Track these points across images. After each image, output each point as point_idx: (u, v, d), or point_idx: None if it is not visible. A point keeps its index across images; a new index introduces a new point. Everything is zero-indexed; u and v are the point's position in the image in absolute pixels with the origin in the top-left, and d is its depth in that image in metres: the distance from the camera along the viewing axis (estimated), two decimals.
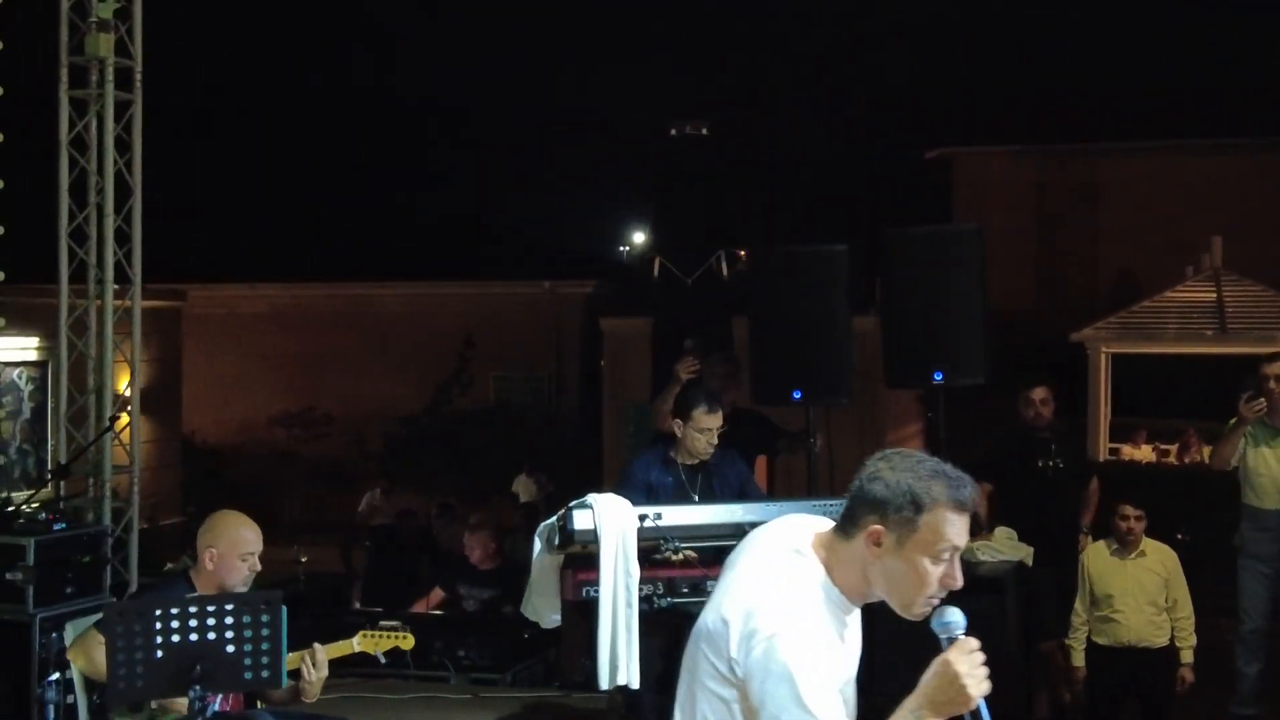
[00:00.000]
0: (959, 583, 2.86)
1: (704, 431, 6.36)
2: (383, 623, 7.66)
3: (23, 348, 13.09)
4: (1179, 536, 14.20)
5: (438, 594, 9.44)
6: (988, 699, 2.82)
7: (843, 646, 2.94)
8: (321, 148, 27.48)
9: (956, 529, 2.85)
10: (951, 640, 2.81)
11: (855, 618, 3.00)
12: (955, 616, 2.83)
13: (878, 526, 2.86)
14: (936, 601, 2.85)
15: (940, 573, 2.84)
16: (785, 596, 2.87)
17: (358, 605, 10.40)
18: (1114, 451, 18.15)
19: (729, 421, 6.73)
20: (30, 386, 12.50)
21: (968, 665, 2.74)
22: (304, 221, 24.08)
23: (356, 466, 20.60)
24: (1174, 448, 17.42)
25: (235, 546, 5.33)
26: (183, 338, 18.56)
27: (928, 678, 2.77)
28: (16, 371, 12.37)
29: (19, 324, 10.51)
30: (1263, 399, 7.64)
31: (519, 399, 21.29)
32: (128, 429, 8.62)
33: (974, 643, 2.78)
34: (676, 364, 7.51)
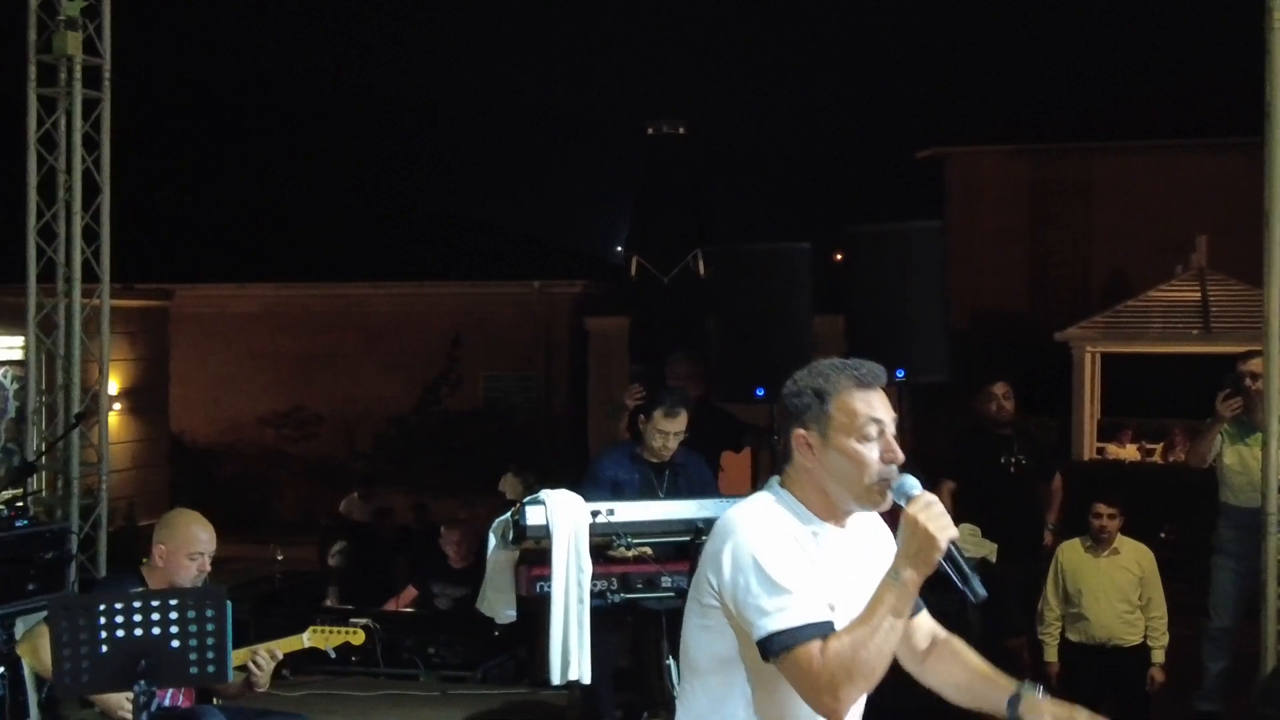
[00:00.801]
0: (899, 454, 2.90)
1: (661, 433, 6.48)
2: (353, 620, 7.76)
3: (8, 346, 13.09)
4: (1163, 535, 14.24)
5: (411, 592, 9.45)
6: None
7: (816, 556, 2.92)
8: (311, 147, 27.54)
9: (869, 403, 2.91)
10: (910, 500, 2.84)
11: (837, 537, 2.98)
12: (910, 481, 2.86)
13: (801, 431, 2.94)
14: (893, 482, 2.87)
15: (876, 450, 2.89)
16: (743, 511, 2.95)
17: (329, 603, 10.41)
18: (1101, 450, 18.17)
19: (694, 417, 6.78)
20: (15, 385, 12.51)
21: (926, 514, 2.76)
22: (294, 221, 24.07)
23: (345, 466, 20.60)
24: (1159, 447, 17.43)
25: (184, 544, 5.35)
26: (172, 337, 18.56)
27: (898, 539, 2.81)
28: (2, 370, 12.38)
29: (4, 323, 10.52)
30: (1239, 397, 7.66)
31: (508, 399, 21.28)
32: (97, 427, 8.63)
33: (930, 496, 2.81)
34: (624, 393, 7.65)
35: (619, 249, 24.36)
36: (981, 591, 2.76)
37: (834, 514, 2.98)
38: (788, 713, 2.91)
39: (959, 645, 3.19)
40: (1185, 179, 21.43)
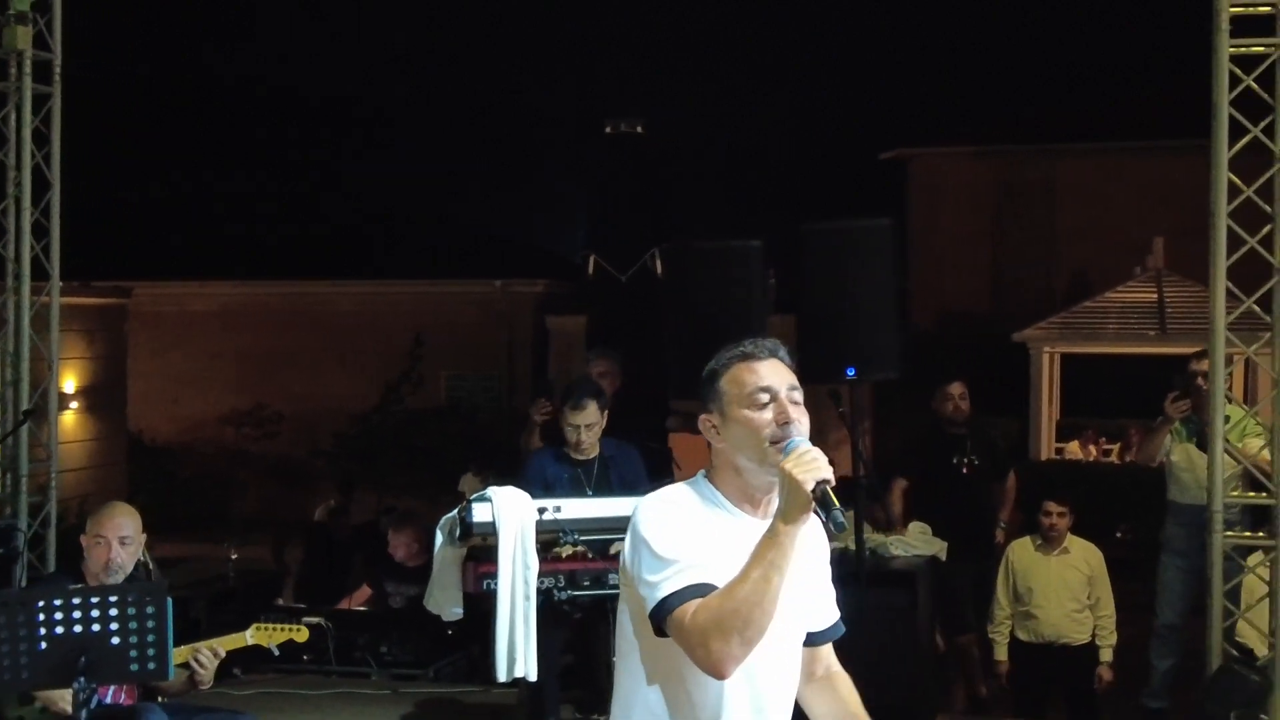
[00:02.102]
0: (790, 415, 2.96)
1: (572, 427, 6.56)
2: (305, 618, 7.72)
3: None
4: (1119, 534, 14.36)
5: (365, 591, 9.42)
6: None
7: (729, 539, 2.95)
8: (272, 145, 27.44)
9: (756, 374, 3.00)
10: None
11: (759, 528, 2.95)
12: (796, 439, 2.93)
13: (704, 416, 3.06)
14: (785, 443, 2.92)
15: (768, 414, 2.96)
16: (648, 498, 3.03)
17: (280, 601, 10.36)
18: (1060, 450, 18.29)
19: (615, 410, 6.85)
20: None
21: (794, 461, 2.83)
22: (255, 219, 23.95)
23: (307, 465, 20.52)
24: (1117, 447, 17.56)
25: (91, 527, 5.38)
26: (131, 335, 18.44)
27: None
28: None
29: None
30: (1187, 399, 7.72)
31: (471, 398, 21.24)
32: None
33: (807, 446, 2.88)
34: (532, 407, 7.71)
35: (581, 252, 24.38)
36: (841, 521, 2.81)
37: (751, 499, 3.03)
38: (691, 685, 2.96)
39: (844, 686, 3.28)
40: (1146, 181, 21.58)
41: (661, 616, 2.85)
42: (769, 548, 2.81)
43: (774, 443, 2.94)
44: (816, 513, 2.85)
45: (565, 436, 6.66)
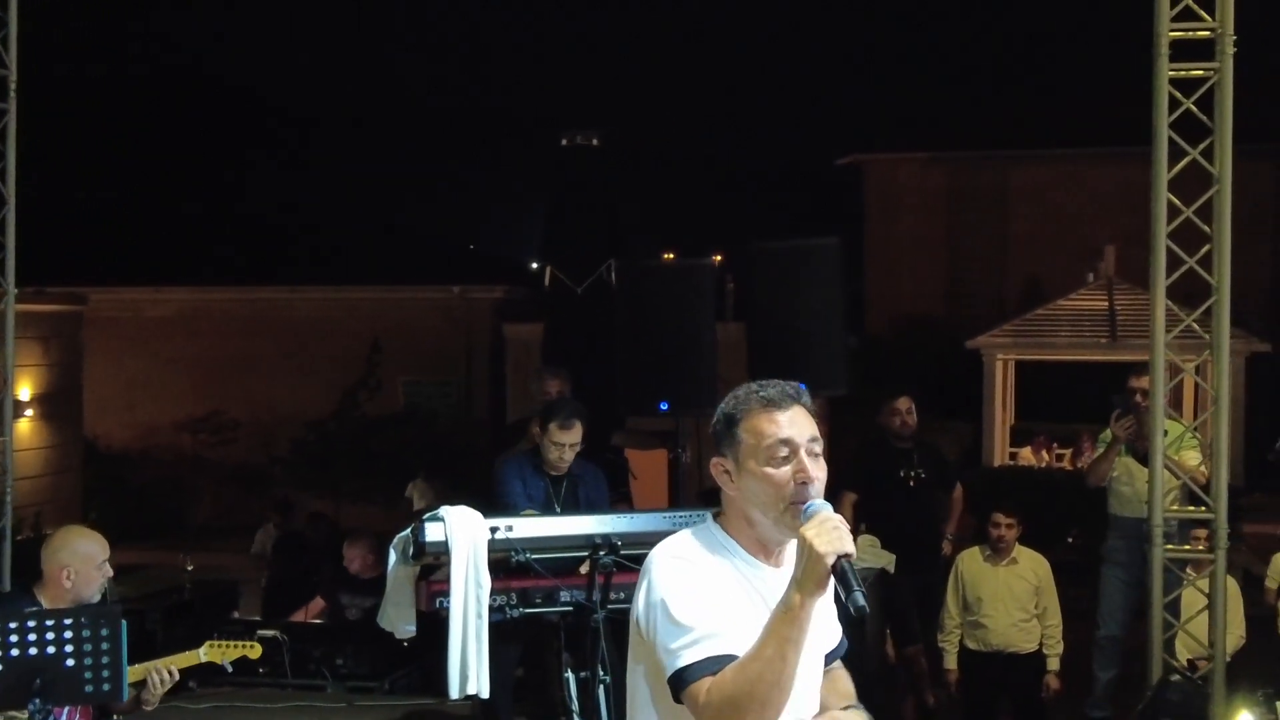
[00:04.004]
0: (812, 475, 2.83)
1: (557, 445, 6.62)
2: (260, 632, 7.76)
3: None
4: (1070, 540, 14.52)
5: (319, 603, 9.46)
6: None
7: (746, 592, 2.87)
8: (230, 152, 27.36)
9: (776, 424, 2.85)
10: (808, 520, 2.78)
11: (774, 576, 2.88)
12: (817, 503, 2.80)
13: (718, 459, 2.92)
14: (804, 505, 2.80)
15: (788, 472, 2.83)
16: (663, 550, 2.91)
17: (236, 614, 10.38)
18: (1013, 456, 18.44)
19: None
20: None
21: (816, 530, 2.69)
22: (211, 225, 23.89)
23: (264, 472, 20.47)
24: (1069, 452, 17.73)
25: (90, 559, 5.38)
26: (86, 342, 18.34)
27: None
28: None
29: None
30: (1130, 416, 7.85)
31: (428, 404, 21.23)
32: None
33: (828, 514, 2.74)
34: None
35: (534, 264, 24.39)
36: (862, 604, 2.65)
37: (764, 549, 2.92)
38: None
39: (841, 674, 3.18)
40: (1098, 188, 21.81)
41: (678, 687, 2.75)
42: (785, 624, 2.67)
43: (792, 503, 2.81)
44: (837, 592, 2.72)
45: (545, 453, 6.72)
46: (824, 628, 3.01)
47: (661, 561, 2.87)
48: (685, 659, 2.73)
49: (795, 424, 2.86)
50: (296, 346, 21.42)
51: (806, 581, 2.67)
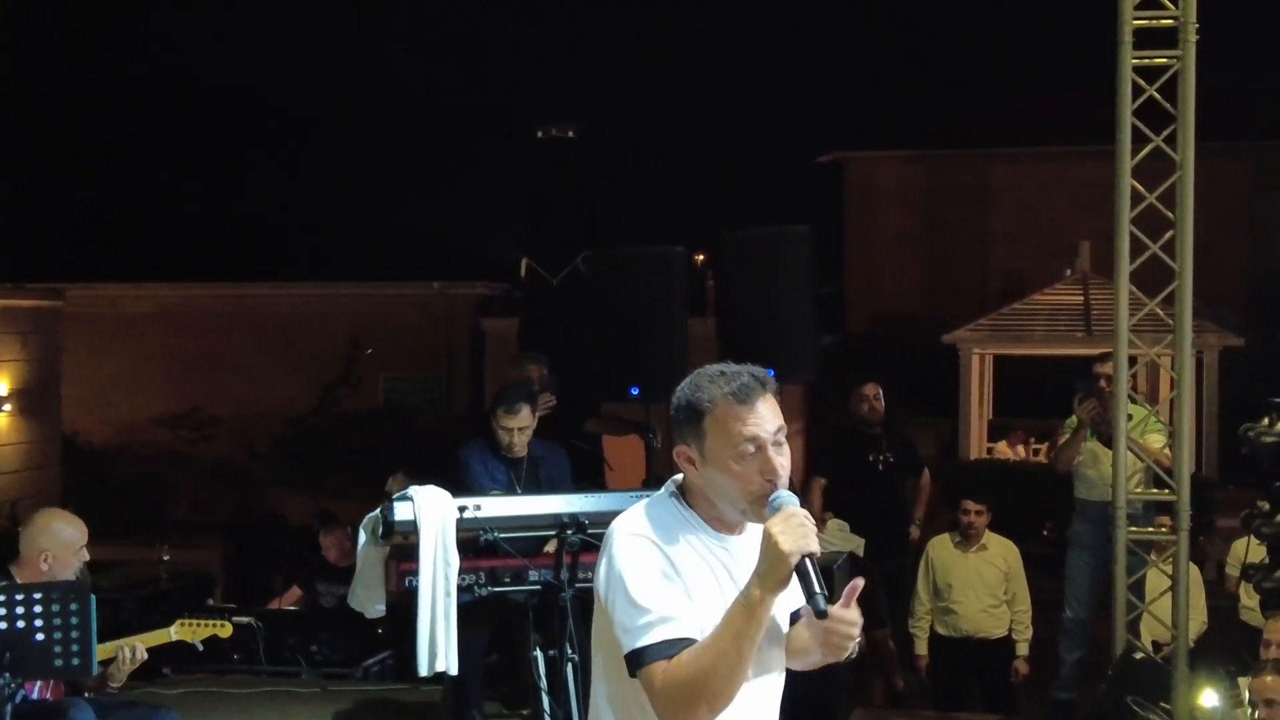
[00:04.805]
0: (779, 471, 2.82)
1: (506, 430, 6.76)
2: (235, 618, 7.80)
3: None
4: (1045, 532, 14.61)
5: (295, 592, 9.50)
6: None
7: (713, 569, 2.86)
8: (209, 147, 27.31)
9: (743, 422, 2.81)
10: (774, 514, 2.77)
11: (737, 545, 2.90)
12: (784, 496, 2.79)
13: (681, 447, 2.89)
14: (770, 499, 2.79)
15: (755, 468, 2.81)
16: (624, 522, 2.90)
17: (211, 602, 10.41)
18: (990, 450, 18.54)
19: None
20: None
21: (781, 527, 2.68)
22: (191, 221, 23.89)
23: (243, 468, 20.46)
24: (1045, 446, 17.83)
25: (70, 544, 5.45)
26: (65, 337, 18.30)
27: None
28: None
29: None
30: (1093, 399, 7.94)
31: (409, 400, 21.24)
32: None
33: (794, 509, 2.73)
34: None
35: (511, 257, 24.35)
36: (823, 608, 2.65)
37: (726, 524, 2.92)
38: None
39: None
40: (1077, 184, 21.88)
41: (633, 666, 2.77)
42: (742, 619, 2.67)
43: (758, 498, 2.80)
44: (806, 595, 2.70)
45: (497, 438, 6.81)
46: (786, 604, 2.96)
47: (621, 538, 2.86)
48: (642, 640, 2.75)
49: (762, 419, 2.83)
50: (276, 343, 21.41)
51: (769, 579, 2.67)
